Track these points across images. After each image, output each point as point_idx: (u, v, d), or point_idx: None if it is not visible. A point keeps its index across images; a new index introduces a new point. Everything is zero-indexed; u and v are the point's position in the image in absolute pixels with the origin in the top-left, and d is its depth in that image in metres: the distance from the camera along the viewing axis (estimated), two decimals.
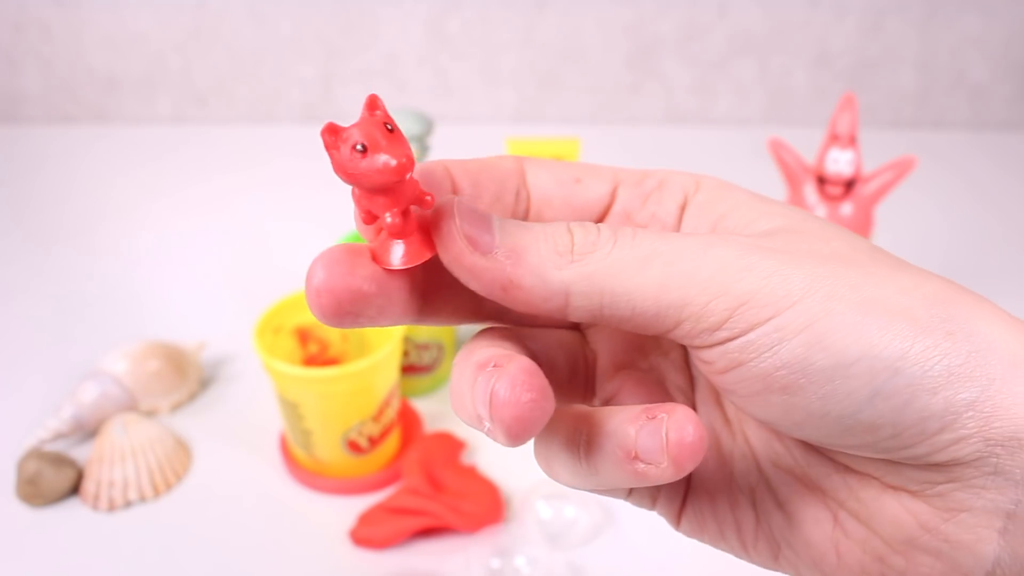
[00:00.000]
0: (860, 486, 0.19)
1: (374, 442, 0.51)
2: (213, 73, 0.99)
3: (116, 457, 0.51)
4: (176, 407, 0.58)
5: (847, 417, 0.17)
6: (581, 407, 0.20)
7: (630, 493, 0.22)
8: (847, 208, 0.57)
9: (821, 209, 0.57)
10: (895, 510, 0.18)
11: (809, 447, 0.20)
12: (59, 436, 0.53)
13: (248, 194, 0.86)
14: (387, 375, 0.50)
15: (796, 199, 0.59)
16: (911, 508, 0.18)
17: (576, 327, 0.23)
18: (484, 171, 0.21)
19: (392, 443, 0.54)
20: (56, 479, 0.50)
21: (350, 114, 1.00)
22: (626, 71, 1.00)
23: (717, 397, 0.22)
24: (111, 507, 0.50)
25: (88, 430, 0.55)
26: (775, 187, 0.69)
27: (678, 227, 0.21)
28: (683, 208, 0.21)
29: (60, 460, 0.51)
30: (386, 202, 0.17)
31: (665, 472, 0.18)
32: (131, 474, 0.51)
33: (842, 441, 0.18)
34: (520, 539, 0.48)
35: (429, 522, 0.48)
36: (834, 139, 0.56)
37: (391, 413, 0.52)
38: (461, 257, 0.18)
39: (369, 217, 0.18)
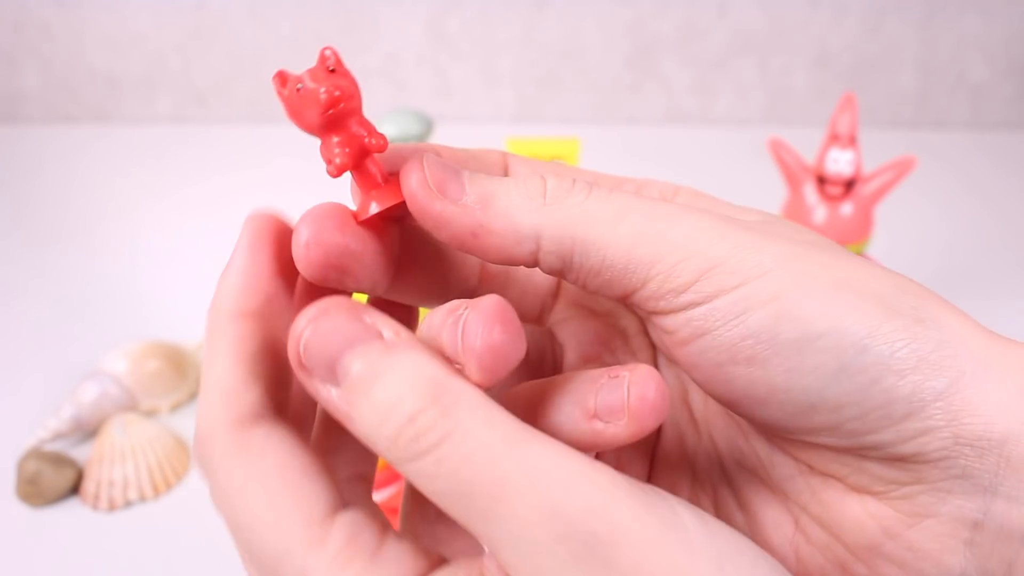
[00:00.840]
0: (823, 488, 0.19)
1: None
2: (213, 73, 0.99)
3: (116, 457, 0.51)
4: (176, 407, 0.58)
5: (812, 393, 0.16)
6: (540, 380, 0.19)
7: None
8: (847, 208, 0.57)
9: (821, 209, 0.57)
10: (858, 514, 0.18)
11: (774, 446, 0.20)
12: (59, 436, 0.53)
13: (248, 194, 0.86)
14: None
15: (796, 199, 0.59)
16: (875, 512, 0.18)
17: (542, 323, 0.23)
18: (471, 160, 0.21)
19: None
20: (56, 479, 0.50)
21: None
22: (626, 71, 1.00)
23: (684, 396, 0.22)
24: (111, 507, 0.50)
25: (88, 430, 0.55)
26: (775, 187, 0.69)
27: None
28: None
29: (60, 460, 0.51)
30: (340, 141, 0.18)
31: (624, 430, 0.17)
32: (131, 474, 0.51)
33: (806, 422, 0.17)
34: None
35: None
36: (834, 139, 0.56)
37: None
38: (430, 204, 0.18)
39: (334, 168, 0.18)
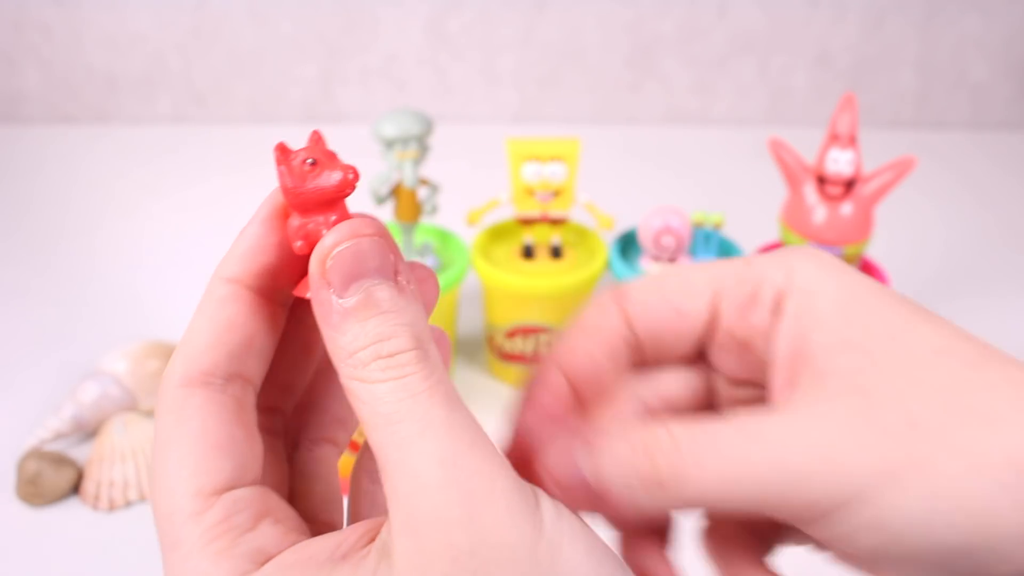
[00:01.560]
0: None
1: None
2: (213, 73, 0.99)
3: (116, 457, 0.51)
4: None
5: None
6: None
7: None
8: (847, 208, 0.57)
9: (821, 209, 0.57)
10: None
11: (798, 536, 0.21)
12: (59, 436, 0.53)
13: (248, 194, 0.86)
14: None
15: (796, 199, 0.59)
16: None
17: (705, 359, 0.23)
18: (590, 330, 0.22)
19: None
20: (56, 479, 0.50)
21: (350, 114, 1.00)
22: (626, 71, 1.00)
23: None
24: (111, 507, 0.50)
25: (88, 430, 0.55)
26: (775, 187, 0.69)
27: (774, 345, 0.20)
28: (775, 314, 0.20)
29: (60, 460, 0.51)
30: (324, 218, 0.19)
31: None
32: (131, 474, 0.51)
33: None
34: None
35: None
36: (834, 139, 0.56)
37: None
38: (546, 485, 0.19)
39: (307, 244, 0.19)
